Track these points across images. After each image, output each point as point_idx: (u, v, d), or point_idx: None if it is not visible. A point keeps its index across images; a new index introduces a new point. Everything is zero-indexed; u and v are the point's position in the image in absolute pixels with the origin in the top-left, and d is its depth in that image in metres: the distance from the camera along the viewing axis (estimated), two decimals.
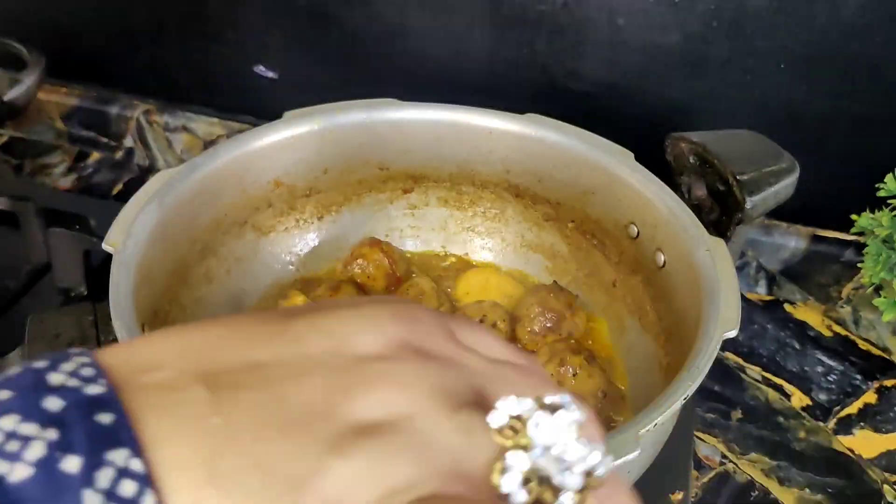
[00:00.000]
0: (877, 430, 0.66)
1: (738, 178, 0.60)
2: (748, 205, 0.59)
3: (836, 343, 0.73)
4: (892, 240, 0.67)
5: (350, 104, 0.66)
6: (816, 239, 0.79)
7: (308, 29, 0.84)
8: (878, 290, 0.70)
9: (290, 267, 0.69)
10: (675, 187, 0.62)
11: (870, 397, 0.69)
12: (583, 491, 0.21)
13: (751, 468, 0.63)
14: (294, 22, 0.84)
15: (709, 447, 0.64)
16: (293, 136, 0.65)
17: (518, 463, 0.21)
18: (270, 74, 0.89)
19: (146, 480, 0.19)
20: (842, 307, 0.76)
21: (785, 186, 0.61)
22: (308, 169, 0.67)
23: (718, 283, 0.52)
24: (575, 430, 0.22)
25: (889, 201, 0.68)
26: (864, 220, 0.68)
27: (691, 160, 0.63)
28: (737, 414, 0.67)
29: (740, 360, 0.71)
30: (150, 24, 0.89)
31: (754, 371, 0.70)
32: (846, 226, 0.70)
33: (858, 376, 0.70)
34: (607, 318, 0.66)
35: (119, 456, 0.19)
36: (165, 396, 0.21)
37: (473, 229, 0.72)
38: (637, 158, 0.63)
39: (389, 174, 0.70)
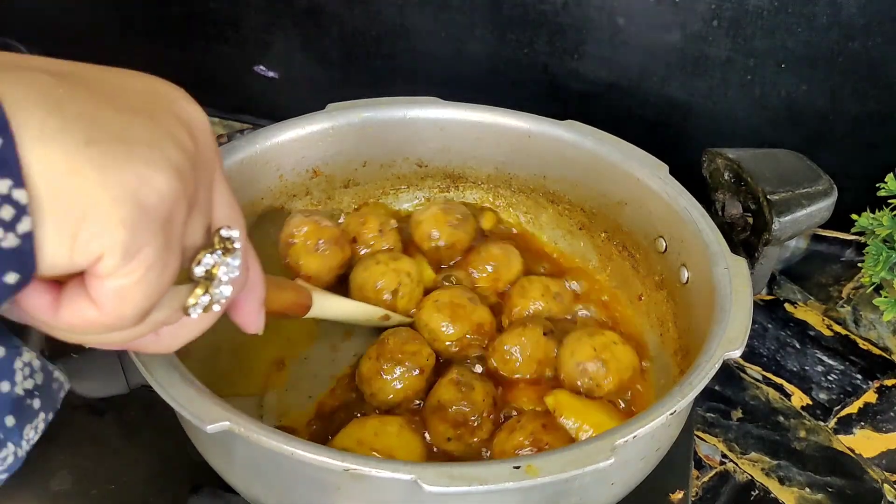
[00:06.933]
0: (877, 429, 0.66)
1: (768, 197, 0.59)
2: (776, 225, 0.58)
3: (836, 342, 0.73)
4: (892, 239, 0.67)
5: (392, 100, 0.67)
6: (817, 238, 0.79)
7: (308, 29, 0.84)
8: (878, 289, 0.70)
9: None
10: (709, 203, 0.61)
11: (870, 397, 0.69)
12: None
13: (751, 467, 0.63)
14: (294, 22, 0.84)
15: (709, 446, 0.64)
16: (334, 127, 0.65)
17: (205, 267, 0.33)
18: (271, 74, 0.89)
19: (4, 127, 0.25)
20: (842, 307, 0.76)
21: (819, 209, 0.60)
22: (347, 161, 0.68)
23: (731, 303, 0.52)
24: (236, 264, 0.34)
25: (889, 201, 0.68)
26: (864, 219, 0.68)
27: (727, 176, 0.62)
28: (737, 413, 0.67)
29: (741, 360, 0.71)
30: (150, 23, 0.89)
31: (755, 371, 0.70)
32: (846, 225, 0.70)
33: (859, 376, 0.70)
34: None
35: None
36: (13, 75, 0.27)
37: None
38: None
39: (428, 171, 0.70)
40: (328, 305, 0.57)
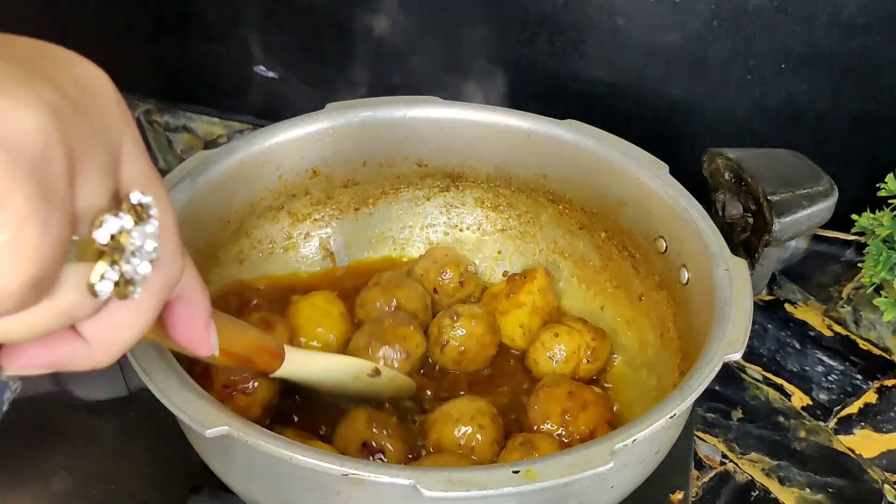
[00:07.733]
0: (877, 429, 0.66)
1: (768, 198, 0.58)
2: (776, 226, 0.58)
3: (836, 343, 0.73)
4: (892, 239, 0.67)
5: (391, 100, 0.67)
6: (817, 238, 0.79)
7: (308, 29, 0.84)
8: (878, 289, 0.70)
9: (325, 256, 0.71)
10: (710, 203, 0.61)
11: (870, 397, 0.69)
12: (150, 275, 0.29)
13: (751, 468, 0.63)
14: (294, 22, 0.84)
15: (709, 447, 0.64)
16: (333, 126, 0.65)
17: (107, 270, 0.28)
18: (270, 74, 0.89)
19: None
20: (842, 307, 0.76)
21: (820, 210, 0.59)
22: (347, 160, 0.68)
23: (731, 305, 0.51)
24: (152, 235, 0.29)
25: (889, 201, 0.67)
26: (864, 219, 0.68)
27: (727, 177, 0.62)
28: (737, 414, 0.67)
29: (741, 360, 0.71)
30: (150, 23, 0.89)
31: (755, 371, 0.70)
32: (846, 225, 0.70)
33: (859, 376, 0.70)
34: (630, 332, 0.65)
35: None
36: None
37: (507, 231, 0.72)
38: None
39: (427, 171, 0.70)
40: (306, 360, 0.55)
